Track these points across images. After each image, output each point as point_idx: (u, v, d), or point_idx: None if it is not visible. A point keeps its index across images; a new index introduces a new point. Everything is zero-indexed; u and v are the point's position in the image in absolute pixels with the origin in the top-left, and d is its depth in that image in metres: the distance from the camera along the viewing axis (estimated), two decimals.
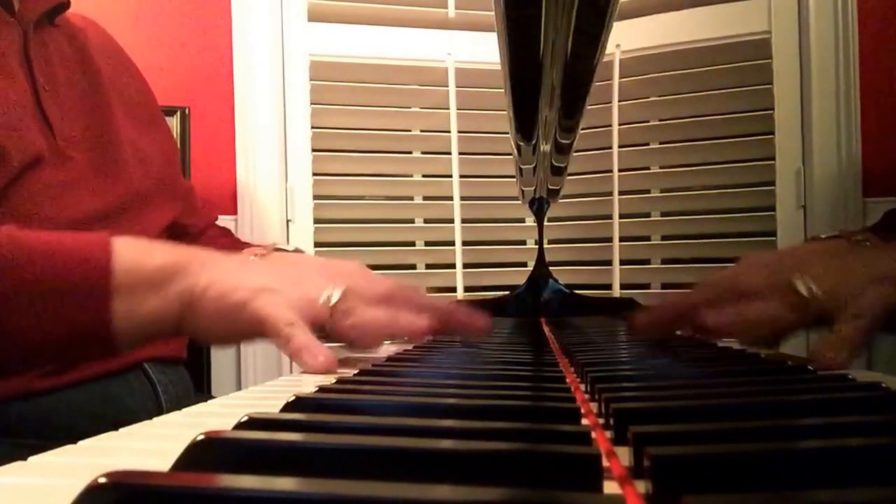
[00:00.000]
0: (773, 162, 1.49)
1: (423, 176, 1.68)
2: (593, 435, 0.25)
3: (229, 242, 0.95)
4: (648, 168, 1.61)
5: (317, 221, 1.58)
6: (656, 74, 1.58)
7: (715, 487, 0.17)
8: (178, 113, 1.41)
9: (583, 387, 0.37)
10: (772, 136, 1.50)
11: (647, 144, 1.61)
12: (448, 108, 1.61)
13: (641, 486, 0.19)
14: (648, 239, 1.61)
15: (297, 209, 1.56)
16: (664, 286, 1.58)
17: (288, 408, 0.27)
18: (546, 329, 0.78)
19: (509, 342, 0.61)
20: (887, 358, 1.35)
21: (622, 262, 1.56)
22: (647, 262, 1.60)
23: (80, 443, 0.24)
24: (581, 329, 0.77)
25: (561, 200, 1.20)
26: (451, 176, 1.61)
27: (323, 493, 0.15)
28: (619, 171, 1.57)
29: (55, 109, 0.71)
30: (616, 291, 1.54)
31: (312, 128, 1.58)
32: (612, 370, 0.39)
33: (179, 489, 0.16)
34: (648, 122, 1.61)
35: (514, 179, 0.99)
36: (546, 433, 0.22)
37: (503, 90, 0.60)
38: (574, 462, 0.18)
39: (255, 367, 1.52)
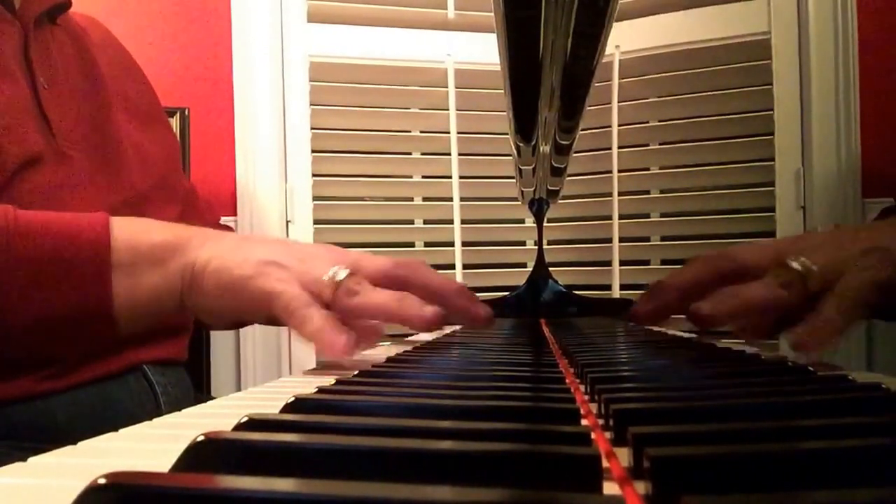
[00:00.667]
0: (772, 163, 1.50)
1: (423, 177, 1.68)
2: (593, 436, 0.25)
3: None
4: (648, 169, 1.61)
5: (316, 222, 1.58)
6: (656, 75, 1.58)
7: (715, 488, 0.17)
8: (178, 114, 1.41)
9: (582, 387, 0.37)
10: (771, 137, 1.50)
11: (647, 145, 1.62)
12: (447, 109, 1.61)
13: (641, 487, 0.19)
14: (648, 240, 1.61)
15: (296, 210, 1.57)
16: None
17: (287, 409, 0.27)
18: (545, 330, 0.78)
19: (509, 343, 0.61)
20: (887, 358, 1.35)
21: (622, 263, 1.56)
22: (647, 262, 1.60)
23: (80, 444, 0.24)
24: (581, 330, 0.77)
25: (560, 201, 1.20)
26: (450, 177, 1.61)
27: (323, 493, 0.15)
28: (619, 171, 1.57)
29: (55, 108, 0.70)
30: (616, 292, 1.54)
31: (312, 129, 1.58)
32: (612, 371, 0.39)
33: (179, 490, 0.16)
34: (648, 122, 1.61)
35: (514, 180, 0.99)
36: (545, 434, 0.22)
37: (502, 91, 0.60)
38: (573, 463, 0.18)
39: (254, 367, 1.52)
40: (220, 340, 1.49)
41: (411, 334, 0.78)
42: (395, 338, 0.79)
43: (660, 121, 1.61)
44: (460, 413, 0.26)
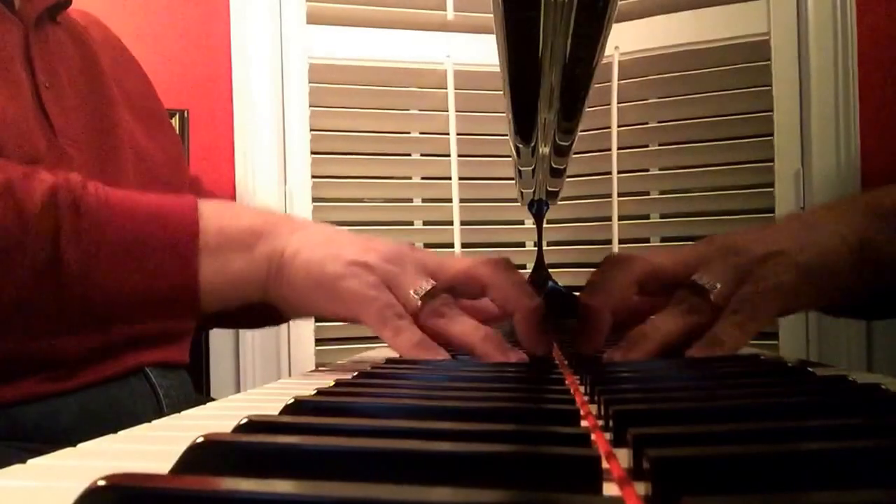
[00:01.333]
0: (771, 164, 1.50)
1: (422, 178, 1.68)
2: (593, 437, 0.25)
3: None
4: (647, 170, 1.61)
5: None
6: (655, 76, 1.58)
7: (715, 489, 0.17)
8: (177, 115, 1.41)
9: (582, 389, 0.37)
10: (771, 138, 1.50)
11: (647, 146, 1.62)
12: (447, 111, 1.61)
13: (641, 488, 0.19)
14: (648, 241, 1.61)
15: (296, 211, 1.56)
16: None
17: (287, 410, 0.27)
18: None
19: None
20: (887, 358, 1.35)
21: None
22: None
23: (80, 445, 0.24)
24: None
25: (560, 202, 1.20)
26: (450, 178, 1.61)
27: (322, 495, 0.15)
28: (618, 173, 1.57)
29: (56, 107, 0.70)
30: None
31: (311, 130, 1.58)
32: (612, 372, 0.39)
33: (179, 491, 0.16)
34: (647, 123, 1.61)
35: (513, 181, 0.99)
36: (545, 435, 0.22)
37: (502, 92, 0.60)
38: (573, 464, 0.18)
39: (254, 369, 1.52)
40: (220, 342, 1.49)
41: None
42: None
43: (659, 122, 1.61)
44: (460, 414, 0.26)
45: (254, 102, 1.56)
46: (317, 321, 1.44)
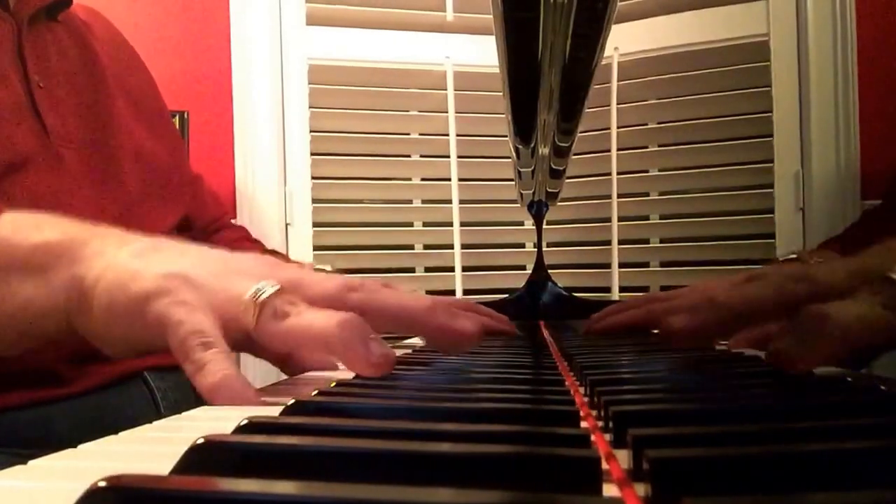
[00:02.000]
0: (771, 165, 1.50)
1: (422, 179, 1.68)
2: (592, 438, 0.25)
3: (242, 245, 0.92)
4: (647, 171, 1.61)
5: (316, 225, 1.58)
6: (655, 77, 1.58)
7: (714, 490, 0.17)
8: (177, 117, 1.41)
9: (582, 390, 0.37)
10: (770, 139, 1.50)
11: (646, 147, 1.62)
12: (447, 112, 1.61)
13: (641, 489, 0.19)
14: (647, 242, 1.61)
15: (296, 213, 1.57)
16: (663, 289, 1.58)
17: (287, 411, 0.27)
18: (545, 332, 0.78)
19: (508, 345, 0.61)
20: (887, 359, 1.35)
21: (621, 265, 1.56)
22: (646, 264, 1.61)
23: (81, 447, 0.24)
24: (580, 332, 0.77)
25: (560, 203, 1.20)
26: (449, 179, 1.61)
27: (323, 496, 0.15)
28: (618, 174, 1.57)
29: (50, 108, 0.69)
30: (615, 294, 1.54)
31: (311, 131, 1.58)
32: (612, 373, 0.39)
33: (179, 493, 0.16)
34: (647, 124, 1.61)
35: (513, 182, 0.99)
36: (545, 436, 0.22)
37: (502, 93, 0.60)
38: (573, 465, 0.18)
39: (254, 369, 1.52)
40: None
41: (407, 337, 0.78)
42: (391, 340, 0.78)
43: (659, 123, 1.61)
44: (460, 415, 0.27)
45: (253, 104, 1.56)
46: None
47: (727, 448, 0.19)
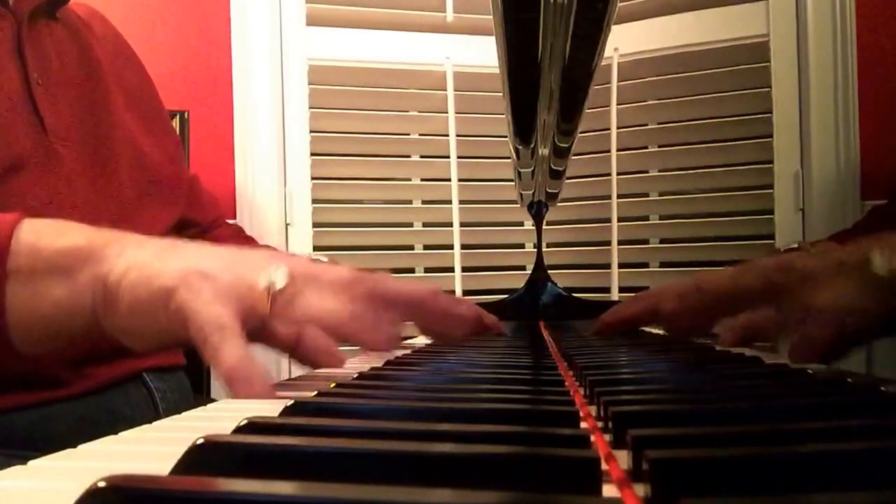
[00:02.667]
0: (771, 165, 1.50)
1: (422, 179, 1.68)
2: (592, 438, 0.25)
3: (237, 242, 0.92)
4: (647, 171, 1.62)
5: (315, 225, 1.58)
6: (655, 78, 1.58)
7: (714, 490, 0.17)
8: (178, 116, 1.41)
9: (582, 390, 0.37)
10: (770, 140, 1.50)
11: (646, 148, 1.62)
12: (446, 112, 1.61)
13: (640, 490, 0.19)
14: (647, 242, 1.61)
15: (295, 213, 1.57)
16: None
17: (287, 411, 0.27)
18: (545, 332, 0.78)
19: (508, 345, 0.61)
20: (887, 360, 1.35)
21: (621, 266, 1.56)
22: (646, 265, 1.61)
23: (80, 447, 0.24)
24: (580, 332, 0.77)
25: (559, 204, 1.20)
26: (449, 179, 1.61)
27: (322, 496, 0.15)
28: (618, 174, 1.57)
29: (48, 105, 0.68)
30: (615, 295, 1.54)
31: (311, 132, 1.58)
32: (611, 373, 0.39)
33: (179, 493, 0.16)
34: (647, 125, 1.61)
35: (513, 183, 0.99)
36: (545, 436, 0.22)
37: (501, 94, 0.60)
38: (573, 465, 0.18)
39: None
40: None
41: (408, 338, 0.78)
42: None
43: (658, 123, 1.61)
44: (460, 416, 0.27)
45: (254, 104, 1.56)
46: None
47: (727, 448, 0.19)
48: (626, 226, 1.59)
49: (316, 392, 0.32)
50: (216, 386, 1.46)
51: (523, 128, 0.65)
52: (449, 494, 0.16)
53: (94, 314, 0.43)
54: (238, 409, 0.34)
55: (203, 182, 0.96)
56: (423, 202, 1.68)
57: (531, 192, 0.96)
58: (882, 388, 0.30)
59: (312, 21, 1.59)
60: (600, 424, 0.28)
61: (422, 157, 1.68)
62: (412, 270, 1.63)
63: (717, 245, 1.53)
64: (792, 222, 1.48)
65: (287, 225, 1.56)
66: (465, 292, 1.58)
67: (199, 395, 1.08)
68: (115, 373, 0.69)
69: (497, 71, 0.56)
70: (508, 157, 1.02)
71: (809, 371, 0.38)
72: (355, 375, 0.39)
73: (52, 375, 0.64)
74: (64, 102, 0.71)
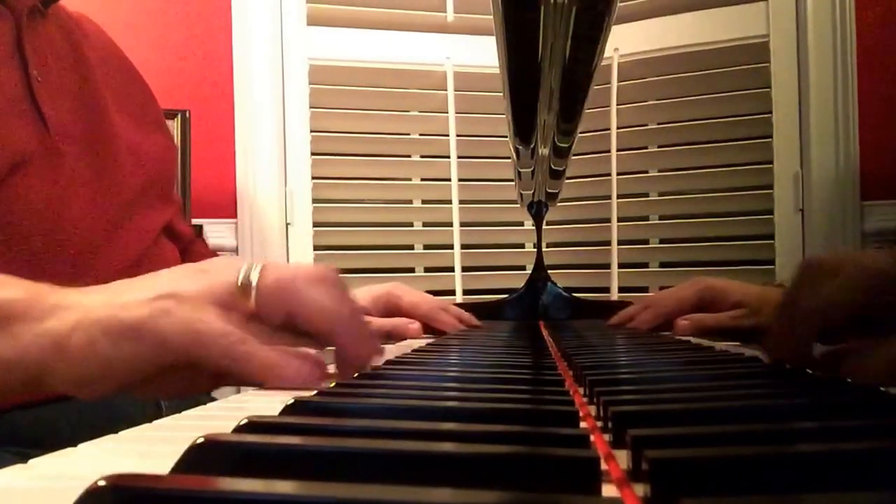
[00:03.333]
0: (770, 165, 1.50)
1: (422, 179, 1.68)
2: (592, 438, 0.25)
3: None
4: (647, 171, 1.62)
5: (316, 225, 1.58)
6: (655, 78, 1.58)
7: (713, 490, 0.17)
8: (179, 116, 1.41)
9: (581, 390, 0.37)
10: (770, 140, 1.50)
11: (646, 148, 1.62)
12: (447, 112, 1.61)
13: (640, 489, 0.19)
14: (647, 242, 1.61)
15: (296, 212, 1.57)
16: (662, 289, 1.58)
17: (287, 411, 0.27)
18: (545, 332, 0.78)
19: (508, 345, 0.61)
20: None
21: (620, 266, 1.56)
22: (646, 265, 1.61)
23: (81, 445, 0.24)
24: (580, 332, 0.77)
25: (559, 204, 1.20)
26: (449, 179, 1.61)
27: (322, 496, 0.15)
28: (618, 174, 1.57)
29: (49, 102, 0.68)
30: (614, 294, 1.54)
31: (312, 131, 1.58)
32: (611, 373, 0.39)
33: (178, 492, 0.16)
34: (647, 125, 1.61)
35: (513, 183, 0.99)
36: (544, 436, 0.22)
37: (502, 94, 0.60)
38: (572, 465, 0.18)
39: None
40: None
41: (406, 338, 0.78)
42: (390, 341, 0.78)
43: (658, 123, 1.61)
44: (460, 415, 0.27)
45: (254, 103, 1.56)
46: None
47: (726, 448, 0.19)
48: (626, 226, 1.59)
49: (316, 391, 0.32)
50: None
51: (523, 128, 0.65)
52: (449, 494, 0.17)
53: (39, 370, 0.40)
54: (238, 408, 0.34)
55: (201, 186, 0.96)
56: (423, 202, 1.68)
57: (531, 192, 0.96)
58: (882, 388, 0.30)
59: (313, 21, 1.59)
60: (600, 424, 0.28)
61: (422, 156, 1.68)
62: (412, 270, 1.64)
63: (716, 245, 1.53)
64: (792, 222, 1.48)
65: (287, 224, 1.56)
66: (466, 292, 1.58)
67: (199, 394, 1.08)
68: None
69: (497, 71, 0.56)
70: (508, 157, 1.02)
71: (809, 371, 0.38)
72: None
73: None
74: (62, 99, 0.70)
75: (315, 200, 1.58)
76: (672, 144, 1.60)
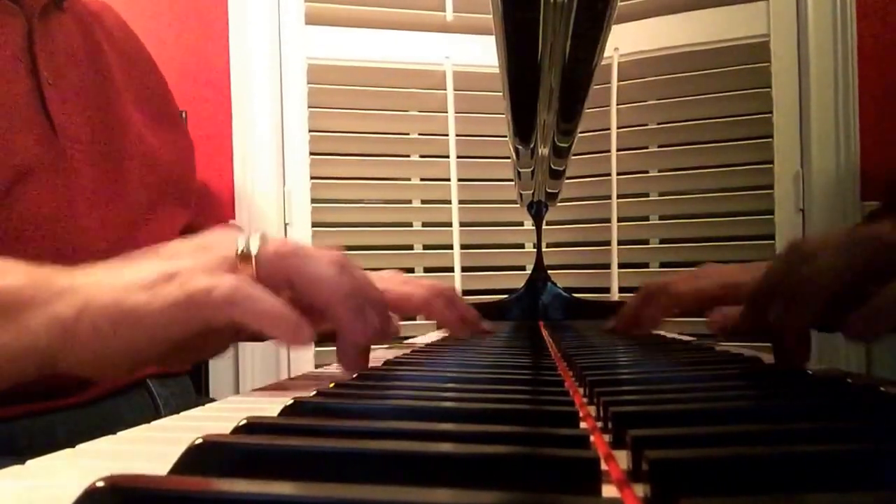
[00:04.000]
0: (771, 165, 1.50)
1: (421, 179, 1.68)
2: (592, 438, 0.25)
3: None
4: (647, 171, 1.62)
5: (315, 225, 1.58)
6: (655, 78, 1.58)
7: (713, 490, 0.17)
8: None
9: (581, 390, 0.37)
10: (770, 140, 1.50)
11: (646, 148, 1.62)
12: (446, 112, 1.61)
13: (640, 490, 0.19)
14: (647, 242, 1.61)
15: (294, 213, 1.57)
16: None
17: (286, 411, 0.27)
18: (544, 333, 0.78)
19: (508, 345, 0.61)
20: (887, 360, 1.35)
21: (621, 266, 1.56)
22: (646, 265, 1.61)
23: (79, 446, 0.24)
24: (579, 332, 0.77)
25: (559, 204, 1.20)
26: (449, 179, 1.61)
27: (321, 496, 0.15)
28: (618, 174, 1.57)
29: (59, 107, 0.66)
30: (615, 295, 1.54)
31: (310, 131, 1.58)
32: (611, 374, 0.39)
33: (177, 492, 0.16)
34: (647, 125, 1.61)
35: (513, 183, 0.99)
36: (544, 437, 0.22)
37: (501, 94, 0.60)
38: (572, 465, 0.18)
39: (252, 370, 1.52)
40: None
41: (407, 337, 0.78)
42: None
43: (659, 123, 1.61)
44: (459, 416, 0.26)
45: (252, 103, 1.56)
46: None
47: (726, 449, 0.19)
48: (626, 226, 1.59)
49: (315, 392, 0.32)
50: (215, 386, 1.46)
51: (523, 128, 0.65)
52: (449, 494, 0.16)
53: (51, 355, 0.40)
54: (237, 408, 0.34)
55: (200, 183, 0.94)
56: (423, 202, 1.68)
57: (531, 191, 0.96)
58: (882, 388, 0.30)
59: (311, 20, 1.59)
60: (600, 424, 0.28)
61: (422, 156, 1.68)
62: (412, 270, 1.63)
63: (717, 245, 1.53)
64: (792, 222, 1.48)
65: (286, 224, 1.56)
66: (465, 292, 1.58)
67: (199, 395, 1.08)
68: (121, 381, 0.68)
69: (497, 71, 0.56)
70: (508, 157, 1.02)
71: (809, 371, 0.38)
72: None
73: (57, 384, 0.63)
74: (74, 102, 0.68)
75: (314, 200, 1.58)
76: (672, 144, 1.60)
